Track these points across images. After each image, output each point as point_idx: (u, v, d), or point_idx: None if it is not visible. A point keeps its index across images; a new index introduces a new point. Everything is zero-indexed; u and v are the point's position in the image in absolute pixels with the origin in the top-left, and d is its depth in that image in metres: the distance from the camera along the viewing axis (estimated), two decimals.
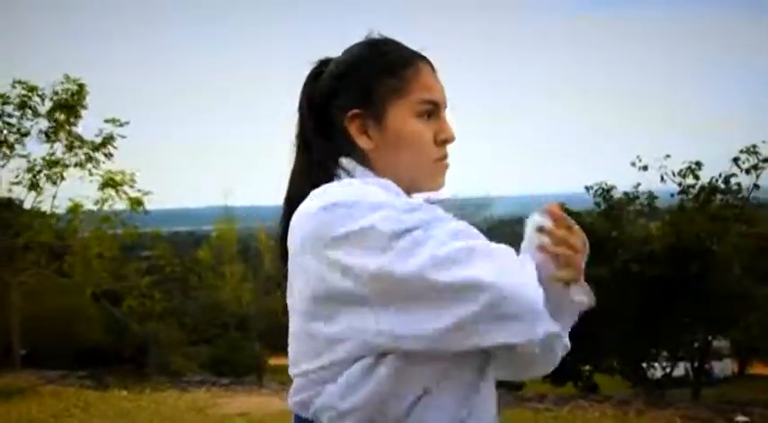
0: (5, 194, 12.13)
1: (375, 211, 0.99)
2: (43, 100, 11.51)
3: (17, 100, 11.37)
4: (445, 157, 1.17)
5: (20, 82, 11.40)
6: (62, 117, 11.53)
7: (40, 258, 12.48)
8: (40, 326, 16.41)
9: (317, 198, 1.05)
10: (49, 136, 11.64)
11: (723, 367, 25.00)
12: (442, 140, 1.16)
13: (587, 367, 13.59)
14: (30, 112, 11.48)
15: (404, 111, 1.14)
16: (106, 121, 11.89)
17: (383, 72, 1.14)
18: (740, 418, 6.24)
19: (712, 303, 11.48)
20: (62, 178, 11.84)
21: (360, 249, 0.97)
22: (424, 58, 1.18)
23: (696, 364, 13.29)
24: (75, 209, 11.98)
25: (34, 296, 15.34)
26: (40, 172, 11.68)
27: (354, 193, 1.03)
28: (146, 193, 12.13)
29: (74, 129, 11.74)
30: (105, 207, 12.10)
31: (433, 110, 1.15)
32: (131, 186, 12.02)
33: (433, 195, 1.20)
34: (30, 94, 11.38)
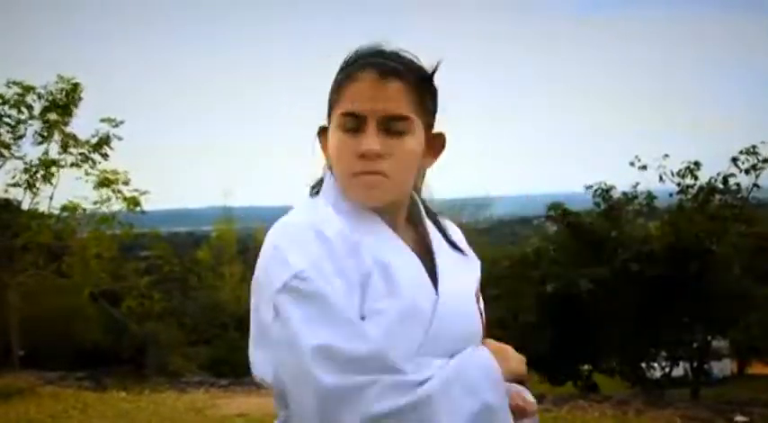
0: (3, 195, 12.12)
1: (293, 267, 1.07)
2: (40, 99, 11.49)
3: (13, 100, 11.34)
4: (363, 172, 1.12)
5: (15, 82, 11.38)
6: (54, 117, 11.50)
7: (38, 259, 12.46)
8: (39, 327, 16.39)
9: (275, 228, 1.14)
10: (44, 136, 11.62)
11: (722, 367, 24.99)
12: (359, 155, 1.12)
13: (586, 367, 13.60)
14: (26, 112, 11.45)
15: (333, 125, 1.16)
16: (102, 120, 11.88)
17: (334, 87, 1.18)
18: (739, 417, 6.23)
19: (712, 303, 11.47)
20: (56, 178, 11.81)
21: (269, 303, 1.10)
22: (369, 68, 1.13)
23: (695, 364, 13.29)
24: (71, 208, 11.96)
25: (33, 297, 15.31)
26: (36, 172, 11.66)
27: (295, 237, 1.10)
28: (143, 193, 12.13)
29: (68, 129, 11.73)
30: (103, 207, 12.09)
31: (355, 123, 1.12)
32: (125, 183, 12.01)
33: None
34: (25, 93, 11.35)
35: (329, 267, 1.07)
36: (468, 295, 1.21)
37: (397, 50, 1.18)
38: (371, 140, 1.11)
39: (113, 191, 11.94)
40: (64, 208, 11.95)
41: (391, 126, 1.12)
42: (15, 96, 11.33)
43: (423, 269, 1.15)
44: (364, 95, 1.12)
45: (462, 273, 1.23)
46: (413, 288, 1.11)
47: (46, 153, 11.71)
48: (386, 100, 1.12)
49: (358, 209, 1.15)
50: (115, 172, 11.99)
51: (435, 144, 1.21)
